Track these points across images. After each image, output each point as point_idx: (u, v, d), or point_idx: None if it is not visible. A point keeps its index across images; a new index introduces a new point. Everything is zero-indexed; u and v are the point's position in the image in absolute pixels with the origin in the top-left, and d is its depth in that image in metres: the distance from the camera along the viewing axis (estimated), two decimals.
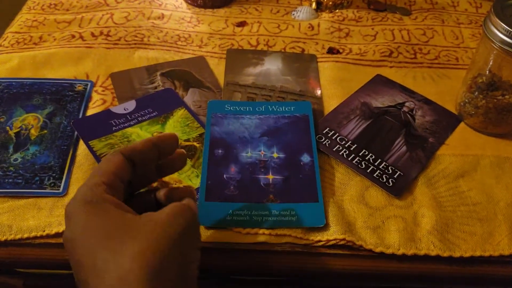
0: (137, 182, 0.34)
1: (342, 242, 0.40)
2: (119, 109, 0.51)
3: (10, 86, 0.54)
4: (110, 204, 0.29)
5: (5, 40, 0.61)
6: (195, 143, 0.48)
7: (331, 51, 0.62)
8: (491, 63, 0.48)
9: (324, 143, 0.49)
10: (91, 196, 0.29)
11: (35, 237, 0.40)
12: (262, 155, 0.47)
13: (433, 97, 0.55)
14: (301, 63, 0.60)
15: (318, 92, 0.56)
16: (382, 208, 0.43)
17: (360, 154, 0.48)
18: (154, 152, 0.34)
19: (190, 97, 0.54)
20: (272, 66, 0.59)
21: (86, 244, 0.27)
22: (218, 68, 0.58)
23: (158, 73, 0.57)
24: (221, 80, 0.57)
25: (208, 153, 0.46)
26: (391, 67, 0.60)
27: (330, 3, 0.69)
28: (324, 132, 0.50)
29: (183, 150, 0.37)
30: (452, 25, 0.67)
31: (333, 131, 0.50)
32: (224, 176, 0.44)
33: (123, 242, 0.27)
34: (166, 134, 0.35)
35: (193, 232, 0.31)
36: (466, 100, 0.51)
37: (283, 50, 0.62)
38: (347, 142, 0.49)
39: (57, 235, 0.40)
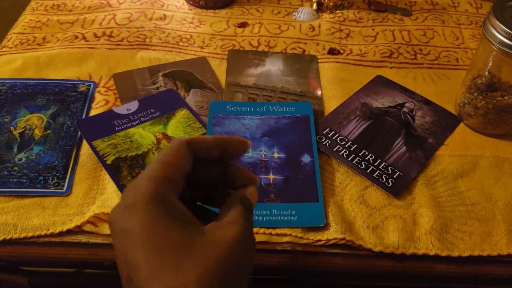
0: (193, 180, 0.32)
1: (342, 242, 0.41)
2: (121, 109, 0.52)
3: (14, 86, 0.54)
4: (173, 206, 0.28)
5: (9, 41, 0.62)
6: None
7: (331, 51, 0.62)
8: (490, 64, 0.49)
9: (324, 143, 0.49)
10: (157, 193, 0.27)
11: (40, 236, 0.41)
12: (263, 155, 0.47)
13: (433, 97, 0.56)
14: (302, 63, 0.60)
15: (319, 92, 0.56)
16: (382, 208, 0.44)
17: (360, 154, 0.48)
18: (216, 151, 0.32)
19: (192, 98, 0.55)
20: (273, 66, 0.59)
21: (147, 247, 0.26)
22: (219, 68, 0.59)
23: (160, 74, 0.58)
24: (223, 81, 0.57)
25: None
26: (391, 67, 0.60)
27: (331, 4, 0.69)
28: (324, 132, 0.50)
29: (255, 177, 0.34)
30: (453, 26, 0.68)
31: (333, 132, 0.50)
32: None
33: (184, 258, 0.26)
34: (236, 138, 0.33)
35: (250, 257, 0.30)
36: (466, 101, 0.52)
37: (284, 51, 0.62)
38: (347, 142, 0.49)
39: (61, 234, 0.41)
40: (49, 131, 0.49)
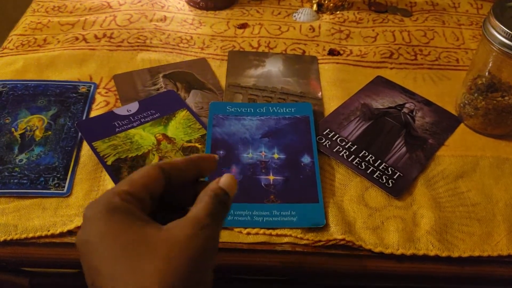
0: (170, 199, 0.33)
1: (342, 242, 0.41)
2: (122, 110, 0.52)
3: (15, 88, 0.55)
4: (132, 215, 0.28)
5: (10, 42, 0.62)
6: (197, 144, 0.49)
7: (331, 52, 0.62)
8: (490, 65, 0.49)
9: (324, 144, 0.49)
10: (115, 203, 0.28)
11: (40, 237, 0.41)
12: (263, 156, 0.47)
13: (433, 98, 0.56)
14: (302, 64, 0.60)
15: (319, 93, 0.56)
16: (382, 209, 0.44)
17: (360, 155, 0.48)
18: (193, 172, 0.33)
19: (192, 99, 0.55)
20: (273, 67, 0.60)
21: (105, 252, 0.27)
22: (219, 70, 0.59)
23: (161, 75, 0.58)
24: (223, 82, 0.57)
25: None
26: (391, 68, 0.60)
27: (331, 4, 0.70)
28: (324, 133, 0.50)
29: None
30: (453, 26, 0.68)
31: (333, 132, 0.51)
32: None
33: (142, 258, 0.26)
34: (206, 155, 0.34)
35: (211, 253, 0.29)
36: (466, 102, 0.52)
37: (284, 52, 0.62)
38: (347, 143, 0.49)
39: (62, 234, 0.41)
40: (50, 132, 0.50)
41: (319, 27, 0.67)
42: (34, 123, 0.50)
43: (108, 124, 0.50)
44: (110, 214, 0.28)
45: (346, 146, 0.49)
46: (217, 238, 0.30)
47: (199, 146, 0.49)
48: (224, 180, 0.31)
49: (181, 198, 0.33)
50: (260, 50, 0.62)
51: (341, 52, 0.62)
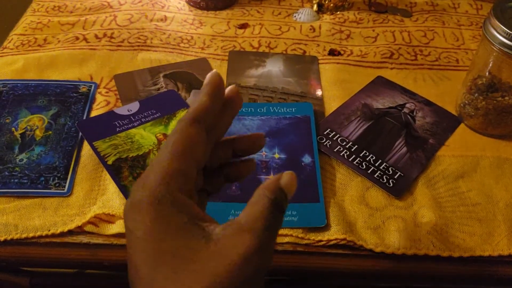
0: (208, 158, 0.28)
1: (343, 242, 0.41)
2: (122, 110, 0.52)
3: (15, 87, 0.54)
4: (180, 211, 0.24)
5: (10, 42, 0.62)
6: None
7: (332, 52, 0.62)
8: (490, 65, 0.49)
9: (325, 144, 0.49)
10: (164, 193, 0.24)
11: (41, 236, 0.41)
12: (264, 155, 0.47)
13: (433, 98, 0.56)
14: (303, 64, 0.60)
15: (319, 93, 0.56)
16: (383, 209, 0.44)
17: (361, 155, 0.48)
18: (217, 105, 0.28)
19: (192, 99, 0.55)
20: (273, 67, 0.60)
21: (148, 252, 0.24)
22: (220, 69, 0.59)
23: (161, 75, 0.58)
24: (223, 82, 0.57)
25: None
26: (391, 68, 0.60)
27: (331, 5, 0.70)
28: (325, 133, 0.50)
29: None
30: (453, 27, 0.68)
31: (334, 132, 0.51)
32: None
33: (185, 270, 0.23)
34: (215, 78, 0.28)
35: (263, 274, 0.25)
36: (466, 102, 0.52)
37: (284, 52, 0.62)
38: (348, 143, 0.49)
39: (62, 234, 0.41)
40: (50, 132, 0.49)
41: (320, 27, 0.67)
42: (35, 122, 0.50)
43: (109, 124, 0.50)
44: (157, 206, 0.24)
45: (347, 146, 0.49)
46: (272, 256, 0.25)
47: None
48: (286, 179, 0.26)
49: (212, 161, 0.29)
50: (260, 50, 0.62)
51: (342, 52, 0.62)
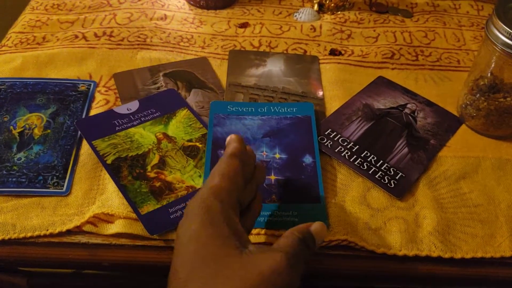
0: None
1: (344, 243, 0.40)
2: (122, 109, 0.52)
3: (13, 86, 0.54)
4: (222, 223, 0.28)
5: (8, 40, 0.62)
6: (197, 144, 0.48)
7: (333, 52, 0.62)
8: (492, 66, 0.48)
9: (326, 144, 0.49)
10: (209, 206, 0.28)
11: (39, 236, 0.40)
12: (265, 155, 0.47)
13: (434, 99, 0.55)
14: (303, 64, 0.60)
15: (320, 93, 0.56)
16: (384, 209, 0.43)
17: (362, 155, 0.48)
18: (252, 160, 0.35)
19: (192, 98, 0.54)
20: (274, 67, 0.59)
21: (187, 256, 0.27)
22: (220, 69, 0.59)
23: (161, 74, 0.57)
24: (224, 81, 0.57)
25: (211, 154, 0.46)
26: (392, 69, 0.60)
27: (332, 5, 0.69)
28: (326, 133, 0.50)
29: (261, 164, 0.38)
30: (454, 28, 0.68)
31: (335, 132, 0.50)
32: None
33: (218, 277, 0.26)
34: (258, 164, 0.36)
35: (293, 286, 0.28)
36: (468, 102, 0.52)
37: (285, 52, 0.62)
38: (349, 143, 0.49)
39: (61, 234, 0.40)
40: (49, 131, 0.49)
41: (320, 27, 0.66)
42: (33, 121, 0.50)
43: (108, 123, 0.50)
44: (203, 218, 0.28)
45: (348, 146, 0.49)
46: (298, 281, 0.29)
47: (200, 145, 0.48)
48: (316, 227, 0.31)
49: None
50: (261, 49, 0.62)
51: (342, 52, 0.62)
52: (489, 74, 0.49)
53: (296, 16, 0.68)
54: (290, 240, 0.29)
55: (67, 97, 0.53)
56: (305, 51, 0.62)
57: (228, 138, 0.35)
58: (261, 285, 0.25)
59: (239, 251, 0.27)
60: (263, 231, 0.41)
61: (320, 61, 0.61)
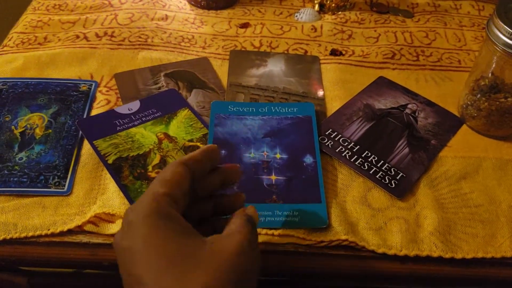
0: (193, 194, 0.34)
1: (345, 243, 0.40)
2: (123, 109, 0.52)
3: (15, 86, 0.54)
4: (174, 220, 0.28)
5: (10, 40, 0.62)
6: (198, 144, 0.48)
7: (333, 52, 0.62)
8: (493, 66, 0.48)
9: (327, 144, 0.49)
10: (156, 208, 0.28)
11: (40, 236, 0.40)
12: (265, 155, 0.47)
13: (435, 99, 0.55)
14: (304, 64, 0.60)
15: (321, 93, 0.56)
16: (385, 209, 0.43)
17: (363, 155, 0.48)
18: (209, 163, 0.34)
19: (193, 98, 0.54)
20: (275, 67, 0.59)
21: (150, 262, 0.26)
22: (221, 69, 0.59)
23: (162, 74, 0.57)
24: (224, 81, 0.57)
25: None
26: (393, 69, 0.60)
27: (333, 5, 0.69)
28: (327, 133, 0.50)
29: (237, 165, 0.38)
30: (455, 28, 0.68)
31: (335, 133, 0.50)
32: None
33: (189, 271, 0.26)
34: (212, 146, 0.35)
35: (256, 270, 0.30)
36: (469, 103, 0.52)
37: (286, 52, 0.62)
38: (349, 143, 0.49)
39: (62, 233, 0.40)
40: (50, 131, 0.49)
41: (321, 27, 0.66)
42: (35, 121, 0.50)
43: (109, 123, 0.50)
44: (152, 220, 0.28)
45: (349, 147, 0.49)
46: (260, 255, 0.31)
47: (201, 145, 0.48)
48: (252, 210, 0.33)
49: (201, 211, 0.35)
50: (262, 49, 0.62)
51: (343, 52, 0.62)
52: (490, 74, 0.49)
53: (297, 16, 0.69)
54: (241, 222, 0.30)
55: (68, 97, 0.53)
56: (306, 51, 0.62)
57: (207, 146, 0.36)
58: (231, 268, 0.27)
59: (201, 240, 0.28)
60: (264, 231, 0.41)
61: (321, 61, 0.61)
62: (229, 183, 0.36)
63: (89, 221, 0.41)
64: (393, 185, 0.45)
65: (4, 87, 0.54)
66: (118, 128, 0.49)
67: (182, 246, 0.27)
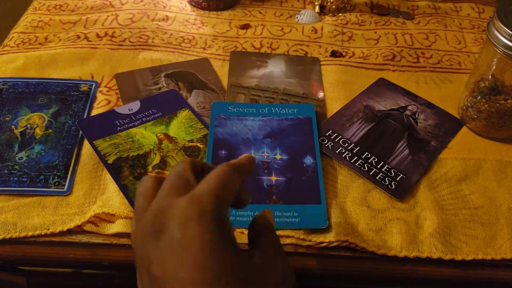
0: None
1: (344, 244, 0.40)
2: (123, 109, 0.52)
3: (15, 85, 0.54)
4: (230, 230, 0.26)
5: (10, 40, 0.62)
6: (198, 144, 0.48)
7: (334, 54, 0.62)
8: (494, 68, 0.49)
9: (327, 145, 0.49)
10: (219, 213, 0.25)
11: (40, 235, 0.40)
12: (265, 156, 0.47)
13: (435, 101, 0.55)
14: (304, 66, 0.60)
15: (321, 94, 0.56)
16: (385, 211, 0.43)
17: (363, 156, 0.48)
18: (250, 172, 0.32)
19: (194, 99, 0.54)
20: (275, 68, 0.59)
21: (208, 264, 0.23)
22: (222, 70, 0.59)
23: (162, 74, 0.57)
24: (225, 82, 0.57)
25: (212, 154, 0.46)
26: (393, 70, 0.60)
27: (334, 6, 0.70)
28: (327, 134, 0.50)
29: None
30: (455, 30, 0.68)
31: (336, 134, 0.50)
32: None
33: (248, 285, 0.25)
34: (252, 156, 0.33)
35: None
36: (469, 104, 0.52)
37: (286, 53, 0.62)
38: (350, 144, 0.49)
39: (61, 233, 0.40)
40: (50, 130, 0.49)
41: (322, 29, 0.67)
42: (35, 121, 0.50)
43: (109, 123, 0.50)
44: (215, 224, 0.25)
45: (349, 148, 0.49)
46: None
47: (201, 146, 0.48)
48: (267, 214, 0.33)
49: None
50: (262, 50, 0.62)
51: (344, 53, 0.62)
52: (490, 76, 0.49)
53: (297, 17, 0.69)
54: (274, 240, 0.30)
55: (68, 97, 0.53)
56: (306, 53, 0.62)
57: (243, 155, 0.34)
58: (286, 283, 0.28)
59: (251, 259, 0.28)
60: None
61: (321, 63, 0.61)
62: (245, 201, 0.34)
63: (88, 221, 0.41)
64: (393, 187, 0.45)
65: (5, 86, 0.54)
66: (118, 128, 0.49)
67: (240, 261, 0.25)
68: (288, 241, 0.41)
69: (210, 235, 0.24)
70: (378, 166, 0.47)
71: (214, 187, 0.26)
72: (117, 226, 0.41)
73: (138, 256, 0.26)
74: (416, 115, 0.53)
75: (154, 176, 0.29)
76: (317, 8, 0.70)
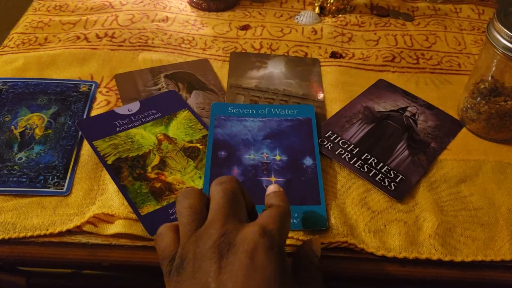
0: None
1: (344, 245, 0.40)
2: (123, 110, 0.52)
3: (15, 86, 0.54)
4: (288, 265, 0.30)
5: (10, 40, 0.62)
6: (198, 145, 0.48)
7: (334, 55, 0.62)
8: (493, 69, 0.49)
9: (326, 146, 0.49)
10: (282, 248, 0.30)
11: (39, 236, 0.40)
12: (265, 157, 0.47)
13: (435, 102, 0.55)
14: (304, 67, 0.60)
15: (321, 95, 0.56)
16: (384, 212, 0.43)
17: (363, 157, 0.48)
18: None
19: (193, 99, 0.54)
20: (275, 69, 0.59)
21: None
22: (221, 70, 0.59)
23: (162, 75, 0.57)
24: (225, 83, 0.57)
25: (211, 155, 0.46)
26: (393, 72, 0.60)
27: (333, 8, 0.70)
28: (326, 135, 0.50)
29: None
30: (455, 31, 0.68)
31: (335, 135, 0.50)
32: None
33: None
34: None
35: None
36: (468, 106, 0.52)
37: (286, 54, 0.62)
38: (349, 145, 0.49)
39: (61, 234, 0.40)
40: (50, 131, 0.49)
41: (321, 30, 0.67)
42: (34, 121, 0.50)
43: (109, 123, 0.50)
44: (276, 255, 0.29)
45: (348, 149, 0.49)
46: None
47: (201, 146, 0.48)
48: (315, 243, 0.38)
49: None
50: (262, 51, 0.62)
51: (343, 55, 0.62)
52: (490, 78, 0.49)
53: (297, 18, 0.69)
54: (315, 271, 0.34)
55: (68, 97, 0.53)
56: (306, 54, 0.62)
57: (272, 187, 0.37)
58: None
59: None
60: None
61: (321, 64, 0.61)
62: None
63: (88, 222, 0.41)
64: (393, 188, 0.45)
65: (4, 87, 0.54)
66: (117, 128, 0.49)
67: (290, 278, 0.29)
68: (287, 242, 0.40)
69: (276, 266, 0.28)
70: (378, 167, 0.47)
71: (279, 226, 0.31)
72: (116, 227, 0.40)
73: (186, 258, 0.29)
74: (416, 116, 0.54)
75: (199, 190, 0.33)
76: (317, 9, 0.70)
